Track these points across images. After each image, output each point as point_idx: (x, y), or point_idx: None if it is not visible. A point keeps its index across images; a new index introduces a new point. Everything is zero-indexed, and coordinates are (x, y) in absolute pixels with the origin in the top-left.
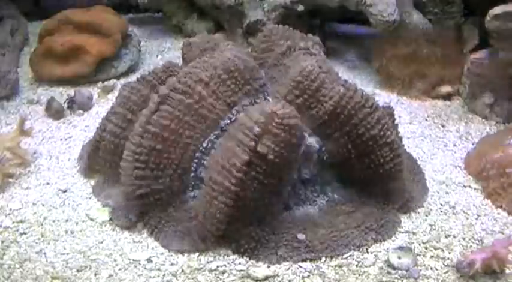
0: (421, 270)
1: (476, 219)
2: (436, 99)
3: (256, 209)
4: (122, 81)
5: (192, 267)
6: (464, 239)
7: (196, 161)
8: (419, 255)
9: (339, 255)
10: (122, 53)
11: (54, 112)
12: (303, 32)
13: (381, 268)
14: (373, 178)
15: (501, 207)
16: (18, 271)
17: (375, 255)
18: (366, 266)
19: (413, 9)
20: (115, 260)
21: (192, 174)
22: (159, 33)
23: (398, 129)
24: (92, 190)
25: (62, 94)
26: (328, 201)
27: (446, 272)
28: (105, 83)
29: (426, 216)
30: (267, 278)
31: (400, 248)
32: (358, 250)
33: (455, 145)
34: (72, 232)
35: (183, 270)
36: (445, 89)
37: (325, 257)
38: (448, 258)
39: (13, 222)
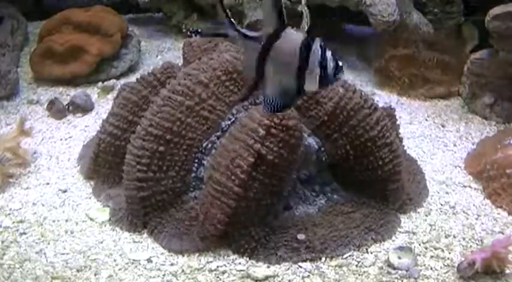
0: (421, 270)
1: (476, 219)
2: (436, 99)
3: (257, 209)
4: (122, 81)
5: (192, 267)
6: (464, 239)
7: (197, 161)
8: (419, 255)
9: (339, 255)
10: (122, 53)
11: (57, 112)
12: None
13: (381, 268)
14: (372, 179)
15: (501, 207)
16: (18, 271)
17: (375, 255)
18: (366, 266)
19: (413, 9)
20: (115, 260)
21: (193, 175)
22: (159, 33)
23: (399, 130)
24: (92, 191)
25: (61, 94)
26: (328, 202)
27: (446, 272)
28: (105, 83)
29: (426, 216)
30: (267, 278)
31: (400, 248)
32: (358, 250)
33: (455, 145)
34: (72, 232)
35: (183, 270)
36: (445, 89)
37: (325, 257)
38: (448, 258)
39: (13, 222)
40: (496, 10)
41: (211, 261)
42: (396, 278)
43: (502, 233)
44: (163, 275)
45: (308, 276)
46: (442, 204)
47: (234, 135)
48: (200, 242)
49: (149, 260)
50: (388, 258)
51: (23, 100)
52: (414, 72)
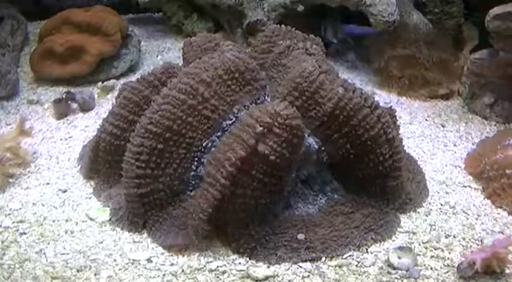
0: (421, 270)
1: (476, 219)
2: (436, 99)
3: (256, 208)
4: (122, 81)
5: (192, 267)
6: (464, 239)
7: (196, 160)
8: (419, 255)
9: (339, 255)
10: (122, 53)
11: (60, 111)
12: (303, 32)
13: (381, 268)
14: (372, 177)
15: (501, 207)
16: (18, 271)
17: (375, 255)
18: (366, 266)
19: (413, 9)
20: (115, 260)
21: (193, 174)
22: (159, 33)
23: (399, 131)
24: (93, 191)
25: (62, 94)
26: (328, 201)
27: (446, 272)
28: (105, 83)
29: (426, 216)
30: (267, 278)
31: (400, 248)
32: (358, 250)
33: (455, 145)
34: (72, 232)
35: (183, 270)
36: (444, 89)
37: (325, 257)
38: (448, 258)
39: (13, 222)
40: (496, 10)
41: (211, 261)
42: (396, 278)
43: (502, 233)
44: (163, 275)
45: (308, 276)
46: (442, 204)
47: (231, 131)
48: (195, 237)
49: (149, 260)
50: (388, 258)
51: (23, 100)
52: (414, 72)
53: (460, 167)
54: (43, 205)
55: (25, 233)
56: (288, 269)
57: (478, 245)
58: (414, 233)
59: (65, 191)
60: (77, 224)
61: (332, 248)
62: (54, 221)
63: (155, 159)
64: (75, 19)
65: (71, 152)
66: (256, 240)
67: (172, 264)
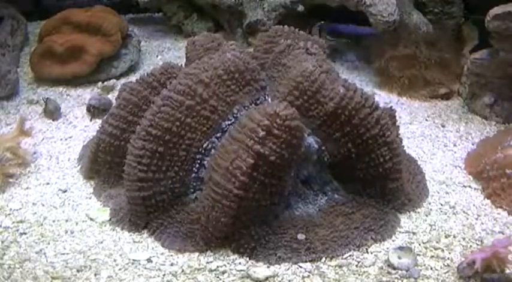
0: (421, 270)
1: (476, 219)
2: (436, 99)
3: (258, 209)
4: (122, 81)
5: (192, 267)
6: (464, 239)
7: (197, 162)
8: (419, 255)
9: (339, 256)
10: (122, 53)
11: (49, 112)
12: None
13: (381, 268)
14: (372, 177)
15: (501, 207)
16: (18, 271)
17: (375, 255)
18: (366, 266)
19: (414, 9)
20: (115, 260)
21: (194, 175)
22: (159, 33)
23: (398, 131)
24: (93, 191)
25: (61, 94)
26: (328, 202)
27: (446, 272)
28: (105, 83)
29: (426, 216)
30: (267, 278)
31: (400, 248)
32: (358, 250)
33: (455, 145)
34: (72, 232)
35: (183, 270)
36: (444, 89)
37: (325, 257)
38: (448, 258)
39: (13, 222)
40: (496, 10)
41: (211, 261)
42: (396, 278)
43: (502, 233)
44: (163, 275)
45: (308, 276)
46: (442, 204)
47: (233, 135)
48: (203, 244)
49: (149, 260)
50: (388, 258)
51: (23, 100)
52: (414, 72)
53: (460, 167)
54: (43, 205)
55: (25, 233)
56: (288, 269)
57: (478, 245)
58: (414, 233)
59: (65, 191)
60: (77, 224)
61: (332, 248)
62: (54, 221)
63: (156, 162)
64: (75, 19)
65: (71, 152)
66: (256, 240)
67: (172, 264)
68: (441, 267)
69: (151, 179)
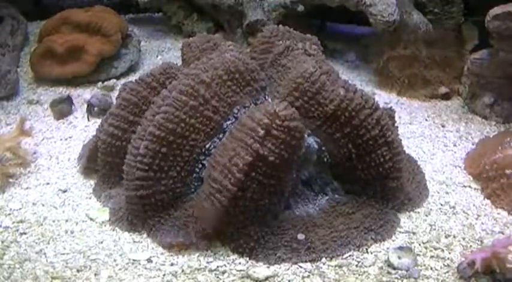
0: (421, 270)
1: (476, 219)
2: (436, 99)
3: (256, 209)
4: (122, 81)
5: (192, 267)
6: (464, 239)
7: (200, 163)
8: (419, 255)
9: (339, 256)
10: (122, 53)
11: (59, 112)
12: (303, 32)
13: (381, 268)
14: (372, 178)
15: (501, 207)
16: (18, 271)
17: (375, 255)
18: (366, 266)
19: (414, 9)
20: (115, 260)
21: (195, 175)
22: (159, 33)
23: (397, 132)
24: (93, 191)
25: (62, 94)
26: (328, 202)
27: (446, 272)
28: (105, 83)
29: (426, 216)
30: (267, 278)
31: (400, 248)
32: (358, 250)
33: (455, 145)
34: (72, 232)
35: (183, 270)
36: (444, 89)
37: (325, 257)
38: (448, 258)
39: (13, 222)
40: (496, 10)
41: (211, 261)
42: (396, 278)
43: (502, 233)
44: (163, 275)
45: (308, 276)
46: (442, 204)
47: (233, 134)
48: (194, 236)
49: (149, 260)
50: (388, 258)
51: (23, 100)
52: (414, 72)
53: (460, 167)
54: (43, 205)
55: (25, 233)
56: (288, 269)
57: (478, 245)
58: (414, 233)
59: (65, 191)
60: (77, 224)
61: (332, 248)
62: (54, 221)
63: (158, 162)
64: (75, 19)
65: (71, 152)
66: (256, 240)
67: (172, 264)
68: (441, 267)
69: (152, 178)
